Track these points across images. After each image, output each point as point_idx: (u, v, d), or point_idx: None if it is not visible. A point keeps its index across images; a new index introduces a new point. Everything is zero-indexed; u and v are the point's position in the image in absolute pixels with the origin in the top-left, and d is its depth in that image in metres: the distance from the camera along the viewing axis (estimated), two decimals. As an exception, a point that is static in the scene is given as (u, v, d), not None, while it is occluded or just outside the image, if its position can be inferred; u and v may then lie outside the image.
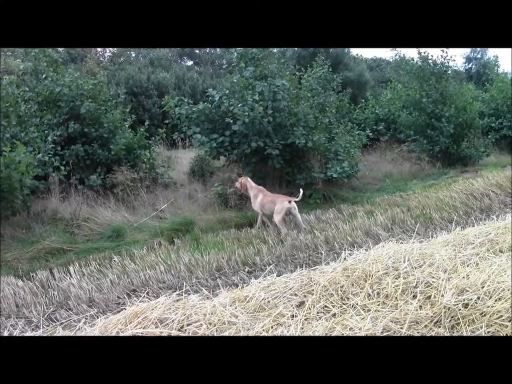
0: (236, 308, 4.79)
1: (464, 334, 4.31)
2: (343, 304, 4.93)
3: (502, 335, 4.27)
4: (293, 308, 4.86)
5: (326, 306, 4.90)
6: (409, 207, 11.27)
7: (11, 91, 10.59)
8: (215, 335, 4.29)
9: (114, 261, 8.36)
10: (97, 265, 8.20)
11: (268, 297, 4.99)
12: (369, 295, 5.02)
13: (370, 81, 34.73)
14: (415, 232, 6.94)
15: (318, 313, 4.77)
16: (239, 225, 10.48)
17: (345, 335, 4.26)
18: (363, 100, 22.05)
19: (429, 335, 4.31)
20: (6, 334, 6.01)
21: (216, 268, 7.99)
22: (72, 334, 4.91)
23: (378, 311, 4.69)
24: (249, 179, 10.83)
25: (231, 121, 11.74)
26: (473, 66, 45.18)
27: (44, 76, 12.63)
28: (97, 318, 6.35)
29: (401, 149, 18.18)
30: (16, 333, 6.00)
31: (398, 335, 4.28)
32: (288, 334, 4.27)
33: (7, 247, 8.91)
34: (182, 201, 11.98)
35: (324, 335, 4.28)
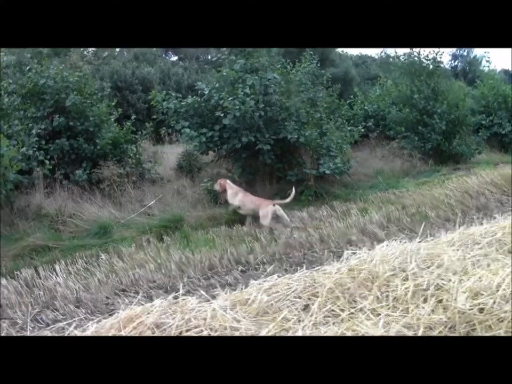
0: (237, 311, 4.49)
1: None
2: (351, 308, 4.65)
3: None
4: (298, 311, 4.57)
5: (332, 310, 4.61)
6: (403, 205, 11.01)
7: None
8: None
9: (101, 259, 8.07)
10: (84, 264, 7.90)
11: (270, 300, 4.69)
12: (378, 298, 4.74)
13: (356, 78, 34.71)
14: (420, 232, 6.65)
15: (325, 317, 4.48)
16: (230, 222, 10.14)
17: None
18: (352, 96, 21.76)
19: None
20: None
21: (208, 267, 7.69)
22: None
23: (389, 316, 4.40)
24: (228, 181, 10.73)
25: (222, 115, 11.42)
26: (459, 64, 45.18)
27: (28, 68, 12.28)
28: (86, 319, 6.11)
29: (391, 145, 17.94)
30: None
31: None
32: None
33: (-10, 244, 8.59)
34: (170, 197, 11.64)
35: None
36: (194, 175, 13.49)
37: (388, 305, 4.59)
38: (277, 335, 4.13)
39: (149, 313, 4.30)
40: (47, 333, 5.64)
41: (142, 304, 4.62)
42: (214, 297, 5.12)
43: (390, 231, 9.26)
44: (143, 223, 9.79)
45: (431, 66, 18.04)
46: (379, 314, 4.44)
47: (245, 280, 7.17)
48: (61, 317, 6.22)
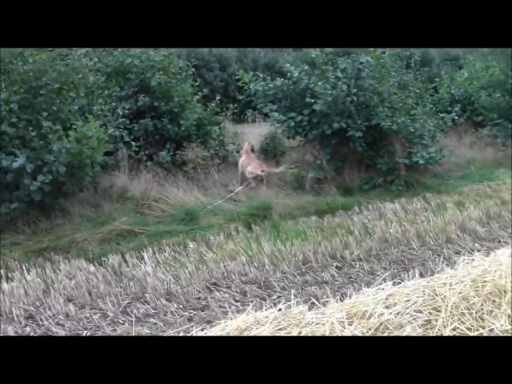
0: (355, 327, 4.08)
1: None
2: (479, 327, 4.19)
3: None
4: (421, 329, 4.14)
5: (458, 328, 4.17)
6: (503, 200, 10.31)
7: (85, 62, 10.12)
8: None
9: (189, 247, 7.82)
10: (172, 252, 7.69)
11: (389, 314, 4.27)
12: (509, 317, 4.27)
13: (436, 59, 33.44)
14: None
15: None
16: (319, 211, 9.71)
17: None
18: (437, 79, 20.86)
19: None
20: (79, 326, 5.67)
21: (302, 261, 7.36)
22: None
23: (526, 341, 3.93)
24: (247, 143, 12.29)
25: (312, 100, 11.06)
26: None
27: (114, 47, 12.13)
28: (177, 314, 5.89)
29: (481, 133, 17.09)
30: (91, 326, 5.68)
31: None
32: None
33: (76, 226, 8.48)
34: (256, 182, 11.36)
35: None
36: (278, 160, 13.14)
37: (522, 327, 4.13)
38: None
39: (262, 325, 3.95)
40: (139, 328, 5.49)
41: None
42: (324, 304, 4.75)
43: (491, 229, 8.72)
44: (230, 209, 9.51)
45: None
46: (513, 338, 3.98)
47: (342, 278, 6.85)
48: (152, 311, 6.01)
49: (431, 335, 3.88)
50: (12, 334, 5.37)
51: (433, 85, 19.55)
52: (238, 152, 12.42)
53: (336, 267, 7.25)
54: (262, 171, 11.07)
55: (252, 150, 12.33)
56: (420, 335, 3.85)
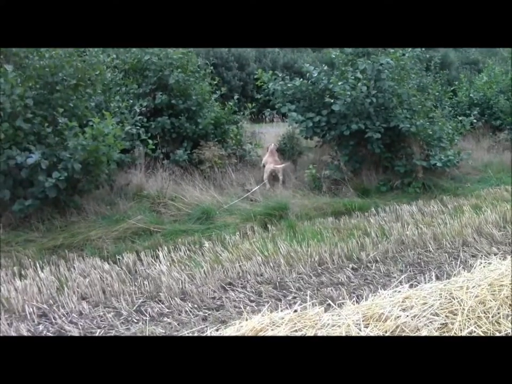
0: (372, 329, 4.01)
1: None
2: (495, 331, 4.12)
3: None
4: (438, 332, 4.07)
5: (475, 332, 4.09)
6: (519, 203, 10.20)
7: (102, 59, 10.11)
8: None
9: (205, 247, 7.75)
10: (187, 251, 7.61)
11: (406, 317, 4.20)
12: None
13: (456, 63, 33.22)
14: None
15: (469, 341, 3.98)
16: (336, 212, 9.66)
17: None
18: (456, 83, 20.78)
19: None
20: (93, 325, 5.57)
21: (318, 262, 7.28)
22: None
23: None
24: (273, 144, 12.45)
25: (331, 100, 11.03)
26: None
27: (132, 44, 12.10)
28: (191, 314, 5.82)
29: (498, 137, 17.02)
30: (104, 324, 5.57)
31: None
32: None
33: (91, 224, 8.42)
34: (273, 182, 11.33)
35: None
36: (295, 160, 13.09)
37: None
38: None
39: (278, 326, 3.89)
40: (153, 328, 5.43)
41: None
42: (340, 306, 4.69)
43: (507, 233, 8.62)
44: (247, 209, 9.45)
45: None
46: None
47: (358, 280, 6.78)
48: (166, 310, 5.94)
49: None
50: (24, 332, 5.30)
51: (452, 88, 19.61)
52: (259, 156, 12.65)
53: (352, 268, 7.17)
54: (273, 166, 11.38)
55: (278, 151, 12.41)
56: (418, 335, 3.88)
